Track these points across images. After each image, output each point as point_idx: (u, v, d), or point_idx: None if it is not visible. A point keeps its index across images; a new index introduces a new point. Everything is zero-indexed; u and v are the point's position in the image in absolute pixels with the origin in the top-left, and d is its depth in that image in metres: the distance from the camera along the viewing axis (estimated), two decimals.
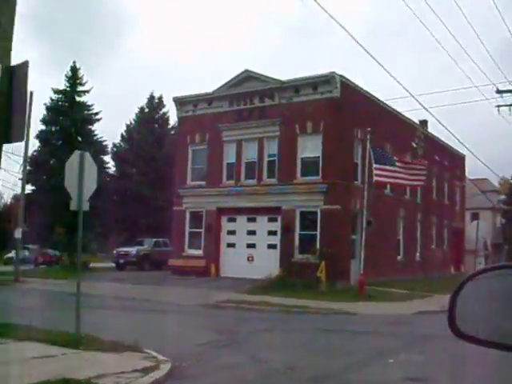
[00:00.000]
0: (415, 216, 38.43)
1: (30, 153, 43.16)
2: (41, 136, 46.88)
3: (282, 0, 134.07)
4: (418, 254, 38.89)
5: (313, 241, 28.86)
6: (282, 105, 30.71)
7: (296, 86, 30.37)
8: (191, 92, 34.60)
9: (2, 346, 10.91)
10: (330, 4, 15.64)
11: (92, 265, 41.79)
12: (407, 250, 36.76)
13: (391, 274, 32.14)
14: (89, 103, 48.25)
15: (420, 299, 25.02)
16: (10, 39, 6.44)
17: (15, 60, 6.45)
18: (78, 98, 47.57)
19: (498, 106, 32.12)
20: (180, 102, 35.07)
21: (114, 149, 56.85)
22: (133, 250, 39.36)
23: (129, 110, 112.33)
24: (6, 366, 9.02)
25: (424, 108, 26.57)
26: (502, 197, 72.25)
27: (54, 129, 48.22)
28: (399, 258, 35.82)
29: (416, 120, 39.95)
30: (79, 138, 47.02)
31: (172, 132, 55.29)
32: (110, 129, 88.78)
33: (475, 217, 52.74)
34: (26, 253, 42.62)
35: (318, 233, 28.86)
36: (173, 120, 54.70)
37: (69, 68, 47.23)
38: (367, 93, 31.56)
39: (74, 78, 47.17)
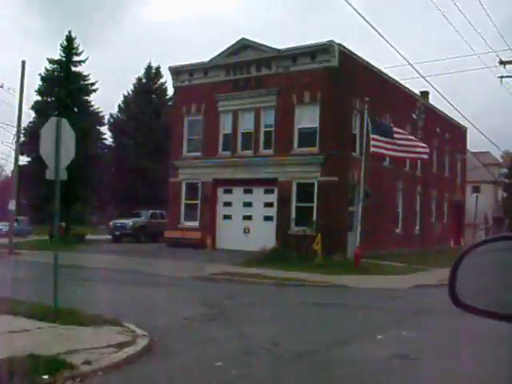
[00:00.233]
0: (415, 189, 37.91)
1: (25, 124, 42.66)
2: (36, 107, 46.12)
3: None
4: (417, 228, 38.46)
5: (309, 213, 28.42)
6: (279, 74, 30.01)
7: (293, 54, 29.62)
8: (189, 62, 33.89)
9: None
10: None
11: (89, 237, 41.58)
12: (406, 223, 36.31)
13: (389, 247, 31.74)
14: (85, 73, 47.36)
15: (418, 273, 24.65)
16: None
17: (14, 29, 5.85)
18: (73, 68, 46.51)
19: (501, 77, 31.50)
20: (176, 71, 34.36)
21: (111, 120, 56.15)
22: (129, 222, 39.01)
23: (127, 81, 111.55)
24: None
25: (423, 78, 25.94)
26: (504, 170, 71.65)
27: (49, 99, 47.42)
28: (398, 230, 35.38)
29: (417, 91, 39.21)
30: (75, 109, 46.18)
31: (170, 103, 54.55)
32: (108, 100, 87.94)
33: (476, 190, 52.26)
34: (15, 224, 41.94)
35: (315, 205, 28.40)
36: (171, 90, 53.75)
37: (64, 38, 46.24)
38: (366, 62, 30.78)
39: (69, 47, 46.11)
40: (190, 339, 9.93)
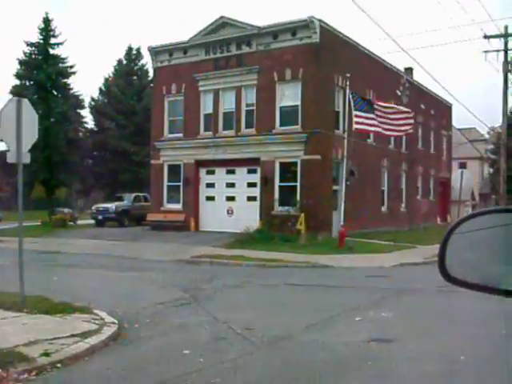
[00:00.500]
0: (400, 166, 37.59)
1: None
2: (15, 91, 45.26)
3: None
4: (403, 205, 38.20)
5: (293, 192, 28.01)
6: (259, 52, 29.42)
7: (274, 31, 29.00)
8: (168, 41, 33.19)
9: None
10: None
11: (71, 222, 41.04)
12: (392, 200, 36.02)
13: (375, 225, 31.47)
14: (63, 56, 46.50)
15: (403, 250, 24.41)
16: None
17: None
18: (51, 51, 45.73)
19: (486, 52, 31.08)
20: (155, 51, 33.63)
21: (93, 103, 55.27)
22: (111, 205, 38.42)
23: (107, 64, 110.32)
24: None
25: (406, 53, 25.39)
26: (490, 147, 71.47)
27: (28, 83, 46.62)
28: (383, 209, 35.09)
29: (401, 68, 38.73)
30: (54, 92, 45.48)
31: (151, 84, 53.80)
32: (90, 83, 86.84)
33: (462, 167, 51.88)
34: None
35: (299, 184, 27.97)
36: (152, 72, 53.14)
37: (41, 20, 45.28)
38: (348, 38, 30.20)
39: (46, 29, 45.23)
40: (161, 326, 9.52)
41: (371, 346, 7.92)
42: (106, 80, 55.97)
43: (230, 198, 30.73)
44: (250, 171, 29.98)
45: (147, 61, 55.91)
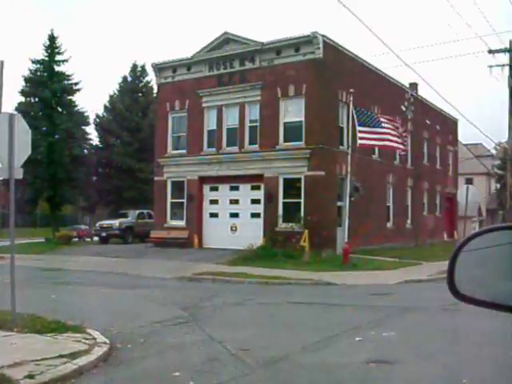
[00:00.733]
0: (405, 182, 37.29)
1: None
2: (20, 108, 45.33)
3: None
4: (408, 221, 37.83)
5: (297, 209, 27.73)
6: (262, 68, 29.32)
7: (277, 47, 28.91)
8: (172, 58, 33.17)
9: None
10: None
11: (76, 239, 40.92)
12: (397, 217, 35.67)
13: (381, 241, 31.16)
14: (68, 73, 46.61)
15: (408, 267, 24.03)
16: None
17: None
18: (57, 68, 45.89)
19: (491, 67, 30.86)
20: (159, 68, 33.58)
21: (97, 120, 55.29)
22: (115, 222, 38.31)
23: (112, 80, 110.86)
24: None
25: (409, 66, 25.20)
26: (497, 162, 71.03)
27: (33, 100, 46.73)
28: (389, 225, 34.74)
29: (406, 83, 38.55)
30: (59, 109, 45.59)
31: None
32: (95, 100, 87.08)
33: (469, 182, 51.61)
34: None
35: (303, 200, 27.70)
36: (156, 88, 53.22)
37: (46, 37, 45.46)
38: (352, 53, 30.07)
39: (52, 47, 45.44)
40: (155, 346, 9.23)
41: (370, 368, 7.60)
42: (111, 97, 56.01)
43: (234, 215, 30.48)
44: (253, 187, 29.75)
45: (152, 77, 56.08)
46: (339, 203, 28.16)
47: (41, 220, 61.03)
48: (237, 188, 30.54)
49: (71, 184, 44.89)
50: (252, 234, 27.91)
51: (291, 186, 28.22)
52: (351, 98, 25.77)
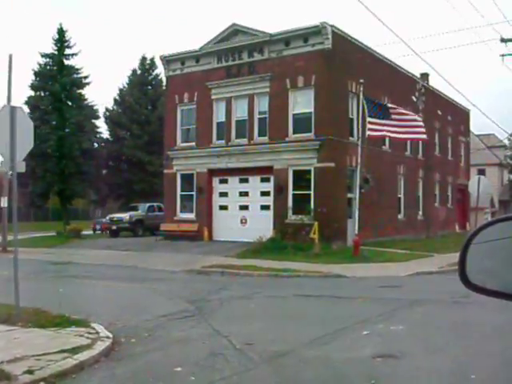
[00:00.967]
0: (417, 173, 36.95)
1: None
2: (29, 102, 45.46)
3: None
4: (420, 213, 37.50)
5: (307, 201, 27.52)
6: (271, 59, 29.07)
7: (286, 38, 28.64)
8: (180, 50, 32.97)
9: None
10: None
11: (87, 232, 40.95)
12: (408, 208, 35.34)
13: (392, 233, 30.92)
14: (78, 66, 46.62)
15: (419, 259, 23.78)
16: None
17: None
18: (66, 62, 45.89)
19: (503, 55, 30.45)
20: (167, 60, 33.41)
21: (107, 113, 55.28)
22: (125, 215, 38.30)
23: (122, 74, 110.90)
24: None
25: (419, 56, 24.86)
26: (510, 153, 70.38)
27: (43, 94, 46.78)
28: (400, 216, 34.44)
29: (417, 73, 38.16)
30: (69, 103, 45.61)
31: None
32: (104, 93, 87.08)
33: (481, 173, 51.09)
34: None
35: (312, 192, 27.47)
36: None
37: (56, 31, 45.46)
38: (361, 43, 29.72)
39: (61, 40, 45.41)
40: (159, 340, 9.10)
41: (376, 363, 7.42)
42: (121, 90, 55.96)
43: (244, 207, 30.34)
44: (263, 180, 29.57)
45: (161, 70, 55.94)
46: (349, 195, 27.94)
47: (53, 214, 61.20)
48: (246, 180, 30.37)
49: (81, 177, 44.98)
50: (262, 227, 27.72)
51: (301, 177, 28.00)
52: (361, 89, 25.47)
